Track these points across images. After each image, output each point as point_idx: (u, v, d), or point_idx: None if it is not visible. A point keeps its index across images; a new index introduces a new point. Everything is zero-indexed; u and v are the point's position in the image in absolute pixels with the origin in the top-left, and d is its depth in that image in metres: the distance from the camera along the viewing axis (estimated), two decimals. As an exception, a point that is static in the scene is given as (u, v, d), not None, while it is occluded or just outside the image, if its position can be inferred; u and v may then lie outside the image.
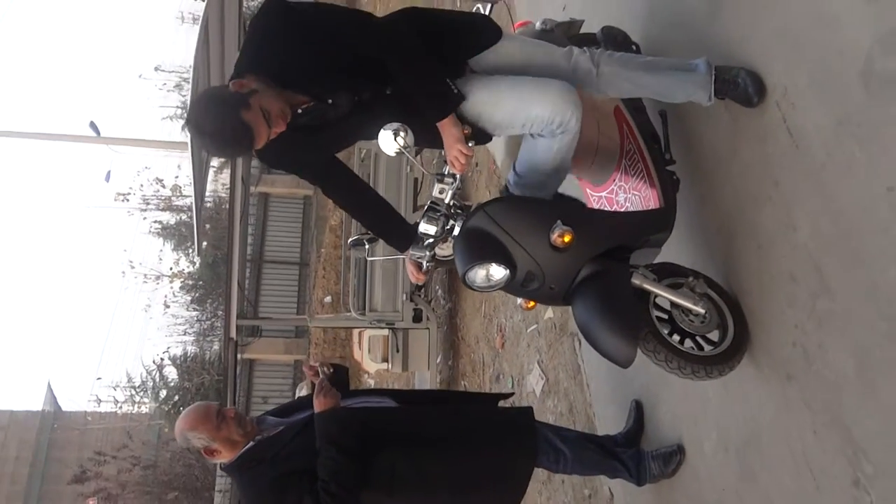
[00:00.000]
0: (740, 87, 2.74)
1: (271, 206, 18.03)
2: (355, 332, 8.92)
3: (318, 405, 2.88)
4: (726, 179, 2.95)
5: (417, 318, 7.24)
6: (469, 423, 3.15)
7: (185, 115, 2.59)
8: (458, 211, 2.75)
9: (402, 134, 2.44)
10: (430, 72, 2.54)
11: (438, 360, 7.70)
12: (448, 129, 2.55)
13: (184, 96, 26.11)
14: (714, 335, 2.79)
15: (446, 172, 2.71)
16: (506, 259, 2.61)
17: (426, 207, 2.75)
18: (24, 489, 43.10)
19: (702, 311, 2.75)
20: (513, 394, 3.53)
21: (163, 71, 26.64)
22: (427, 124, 2.57)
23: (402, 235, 2.98)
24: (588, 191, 3.31)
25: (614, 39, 3.26)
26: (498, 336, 5.92)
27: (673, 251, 3.10)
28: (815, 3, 2.45)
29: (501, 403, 3.49)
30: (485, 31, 2.74)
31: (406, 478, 2.91)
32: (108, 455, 21.16)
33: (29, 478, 43.46)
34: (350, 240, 3.34)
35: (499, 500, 3.09)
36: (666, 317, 2.80)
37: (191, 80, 6.01)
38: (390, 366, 7.71)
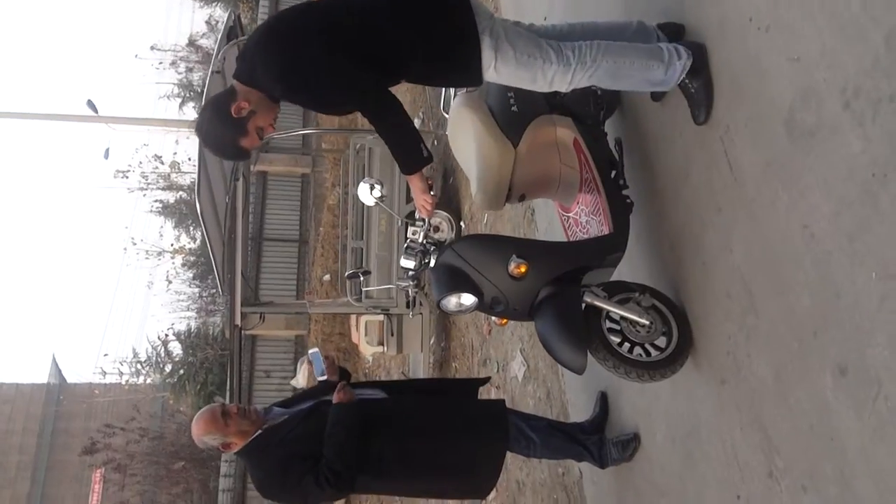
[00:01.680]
0: (693, 98, 3.07)
1: (270, 184, 18.28)
2: (352, 316, 9.32)
3: (338, 398, 3.34)
4: (678, 200, 3.30)
5: (411, 304, 7.65)
6: (448, 413, 3.54)
7: (196, 124, 3.03)
8: (432, 246, 3.22)
9: (377, 187, 2.87)
10: (405, 134, 2.91)
11: (432, 340, 8.09)
12: (415, 181, 3.00)
13: (179, 74, 26.33)
14: (661, 342, 3.18)
15: (417, 217, 3.19)
16: (473, 288, 3.09)
17: (405, 246, 3.23)
18: (32, 459, 43.74)
19: (647, 322, 3.14)
20: (489, 378, 3.96)
21: (158, 50, 26.80)
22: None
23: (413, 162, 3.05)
24: (560, 211, 3.68)
25: None
26: (485, 323, 6.30)
27: (633, 263, 3.47)
28: (751, 53, 2.77)
29: (481, 390, 3.89)
30: (466, 78, 3.02)
31: (391, 462, 3.32)
32: (117, 427, 21.58)
33: (37, 448, 44.10)
34: (347, 273, 3.80)
35: (475, 482, 3.49)
36: (617, 328, 3.19)
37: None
38: (386, 349, 8.12)
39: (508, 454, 3.66)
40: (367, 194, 2.99)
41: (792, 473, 2.55)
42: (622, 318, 3.17)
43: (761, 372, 2.71)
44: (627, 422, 3.74)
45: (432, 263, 3.20)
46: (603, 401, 3.96)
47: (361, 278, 3.78)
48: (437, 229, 4.37)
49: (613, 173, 3.36)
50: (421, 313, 7.79)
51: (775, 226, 2.66)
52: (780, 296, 2.63)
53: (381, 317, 8.00)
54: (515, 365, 5.37)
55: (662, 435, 3.40)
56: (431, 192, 3.05)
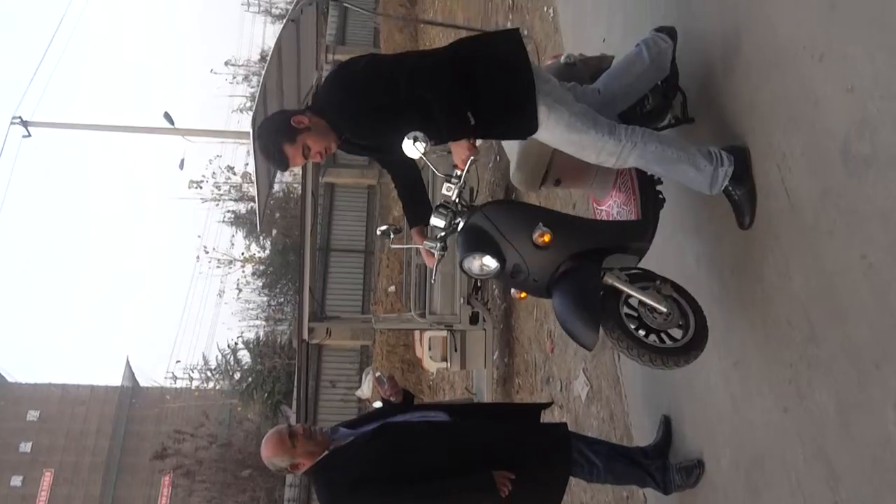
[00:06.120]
0: (737, 204, 3.19)
1: (337, 195, 18.61)
2: (416, 331, 9.44)
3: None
4: (737, 225, 3.31)
5: (474, 319, 7.73)
6: (511, 436, 3.60)
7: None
8: (464, 209, 3.24)
9: (420, 141, 2.92)
10: (453, 103, 2.99)
11: (495, 356, 8.13)
12: (459, 144, 3.04)
13: (252, 88, 26.98)
14: (676, 333, 3.21)
15: (453, 174, 3.15)
16: (496, 253, 3.14)
17: (437, 205, 3.25)
18: (104, 461, 45.14)
19: (664, 309, 3.17)
20: (552, 403, 4.00)
21: (233, 65, 27.56)
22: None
23: (419, 217, 3.52)
24: (594, 205, 3.79)
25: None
26: (548, 341, 6.33)
27: (694, 288, 3.47)
28: (805, 82, 2.78)
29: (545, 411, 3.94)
30: (519, 129, 3.15)
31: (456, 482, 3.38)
32: (187, 433, 22.11)
33: (109, 451, 45.51)
34: (378, 229, 3.88)
35: None
36: (635, 314, 3.23)
37: (258, 93, 6.73)
38: (449, 364, 8.19)
39: (571, 477, 3.69)
40: (410, 148, 3.01)
41: (856, 505, 2.54)
42: (640, 303, 3.20)
43: (823, 402, 2.71)
44: (691, 447, 3.74)
45: (461, 227, 3.23)
46: (666, 425, 3.96)
47: (392, 236, 3.83)
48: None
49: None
50: (484, 329, 7.85)
51: (833, 255, 2.66)
52: (839, 325, 2.63)
53: (444, 332, 8.09)
54: (578, 385, 5.40)
55: (727, 462, 3.40)
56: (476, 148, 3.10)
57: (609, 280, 3.17)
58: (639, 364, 3.15)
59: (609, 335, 3.13)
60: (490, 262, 3.14)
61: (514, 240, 3.14)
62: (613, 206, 3.54)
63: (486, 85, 3.06)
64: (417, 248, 6.81)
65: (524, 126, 3.08)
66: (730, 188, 3.16)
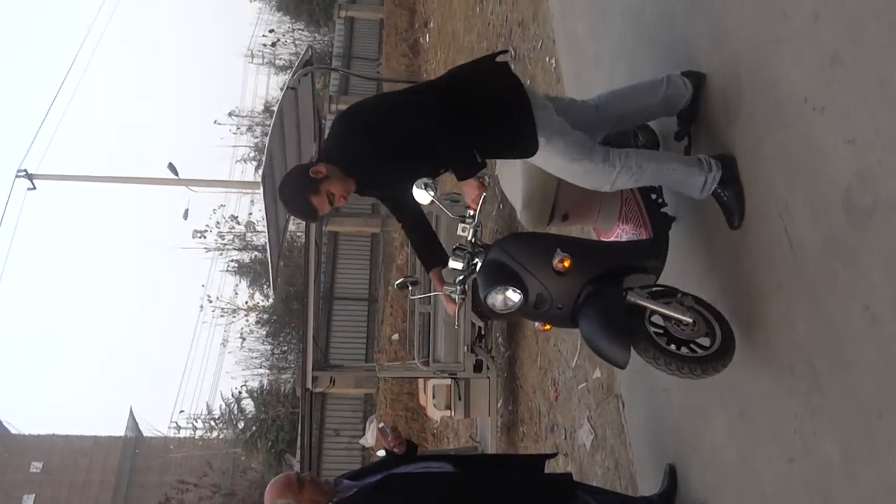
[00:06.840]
0: (726, 206, 3.32)
1: (340, 244, 18.67)
2: (420, 380, 9.41)
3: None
4: (741, 274, 3.33)
5: (478, 368, 7.71)
6: (516, 488, 3.58)
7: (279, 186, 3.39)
8: (480, 249, 3.28)
9: (431, 187, 2.97)
10: (459, 145, 3.11)
11: (499, 404, 8.09)
12: (468, 184, 3.14)
13: (256, 138, 27.24)
14: (705, 341, 3.20)
15: (467, 215, 3.23)
16: (519, 284, 3.15)
17: (454, 248, 3.29)
18: (108, 512, 44.51)
19: (689, 320, 3.17)
20: (556, 454, 3.97)
21: (236, 116, 27.83)
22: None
23: (434, 260, 3.59)
24: (601, 238, 3.87)
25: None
26: (552, 389, 6.30)
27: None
28: (807, 133, 2.82)
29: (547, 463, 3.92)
30: (523, 148, 3.25)
31: None
32: (190, 483, 21.89)
33: (112, 502, 44.94)
34: (397, 282, 3.92)
35: None
36: (662, 331, 3.22)
37: (265, 157, 6.86)
38: (453, 413, 8.15)
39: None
40: (422, 194, 3.07)
41: (863, 558, 2.51)
42: (666, 317, 3.20)
43: (828, 451, 2.69)
44: (696, 496, 3.71)
45: (479, 267, 3.25)
46: (671, 474, 3.93)
47: (410, 287, 3.90)
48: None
49: (654, 196, 3.56)
50: (488, 377, 7.82)
51: (836, 304, 2.67)
52: (843, 374, 2.63)
53: (448, 381, 8.06)
54: (583, 433, 5.36)
55: (731, 511, 3.38)
56: (485, 186, 3.19)
57: (632, 298, 3.19)
58: (679, 377, 3.13)
59: (643, 355, 3.13)
60: (513, 295, 3.15)
61: (534, 269, 3.17)
62: (622, 235, 3.63)
63: (484, 114, 3.21)
64: (423, 297, 6.88)
65: (522, 151, 3.24)
66: (718, 191, 3.32)
